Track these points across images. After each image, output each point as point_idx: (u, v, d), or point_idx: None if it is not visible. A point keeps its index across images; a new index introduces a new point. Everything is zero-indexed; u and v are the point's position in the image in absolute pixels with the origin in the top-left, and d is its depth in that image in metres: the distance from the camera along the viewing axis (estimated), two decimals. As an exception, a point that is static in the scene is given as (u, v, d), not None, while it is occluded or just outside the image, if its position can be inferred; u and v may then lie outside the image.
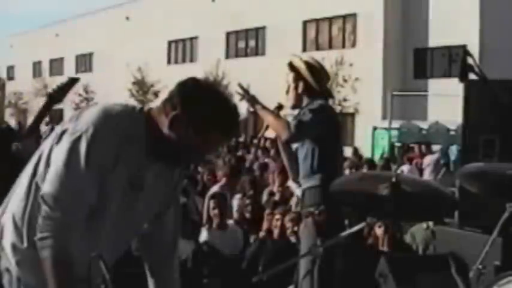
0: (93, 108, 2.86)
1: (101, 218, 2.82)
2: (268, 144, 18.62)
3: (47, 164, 2.76)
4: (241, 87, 5.73)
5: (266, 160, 15.80)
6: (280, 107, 5.71)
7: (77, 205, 2.68)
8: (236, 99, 5.82)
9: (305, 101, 5.55)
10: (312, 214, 5.38)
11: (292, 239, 7.26)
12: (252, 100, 5.66)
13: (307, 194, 5.49)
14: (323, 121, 5.40)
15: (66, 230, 2.63)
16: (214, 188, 9.90)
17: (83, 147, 2.68)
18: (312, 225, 5.38)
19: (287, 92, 5.68)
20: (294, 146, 5.67)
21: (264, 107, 5.60)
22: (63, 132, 2.78)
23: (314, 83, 5.55)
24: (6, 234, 2.84)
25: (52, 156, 2.77)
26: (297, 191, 6.30)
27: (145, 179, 2.90)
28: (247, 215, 8.85)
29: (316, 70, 5.61)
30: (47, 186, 2.69)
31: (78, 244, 2.65)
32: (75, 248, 2.63)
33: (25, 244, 2.77)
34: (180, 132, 2.77)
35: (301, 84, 5.56)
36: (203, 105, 2.76)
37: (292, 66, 5.66)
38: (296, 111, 5.62)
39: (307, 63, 5.60)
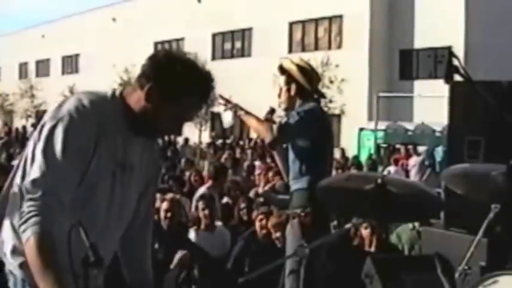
0: (69, 97, 2.92)
1: (92, 207, 2.85)
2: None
3: (33, 161, 2.76)
4: (223, 97, 5.73)
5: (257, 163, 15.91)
6: (272, 111, 5.72)
7: (57, 186, 2.66)
8: (220, 108, 5.89)
9: (298, 103, 5.55)
10: (298, 215, 5.40)
11: (277, 242, 7.22)
12: (235, 107, 5.68)
13: (295, 195, 5.50)
14: (310, 123, 5.40)
15: (48, 209, 2.61)
16: (201, 190, 9.91)
17: (59, 133, 2.72)
18: (298, 227, 5.39)
19: (279, 95, 5.67)
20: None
21: (247, 112, 5.61)
22: (42, 126, 2.80)
23: (306, 84, 5.55)
24: (7, 241, 2.83)
25: (35, 151, 2.77)
26: None
27: (133, 158, 2.98)
28: (245, 218, 8.82)
29: (307, 71, 5.62)
30: (28, 177, 2.70)
31: (64, 230, 2.56)
32: (60, 234, 2.55)
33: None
34: (156, 102, 2.84)
35: (293, 87, 5.55)
36: (174, 72, 2.82)
37: (282, 69, 5.66)
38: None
39: (298, 65, 5.60)
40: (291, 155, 5.53)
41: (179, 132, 3.03)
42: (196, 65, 2.89)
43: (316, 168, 5.43)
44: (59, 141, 2.71)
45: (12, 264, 2.81)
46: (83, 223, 2.67)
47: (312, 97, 5.62)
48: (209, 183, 10.42)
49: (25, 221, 2.58)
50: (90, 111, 2.80)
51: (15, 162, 3.00)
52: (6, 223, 2.86)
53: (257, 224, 7.61)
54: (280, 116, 5.76)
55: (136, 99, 2.90)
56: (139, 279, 3.25)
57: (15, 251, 2.79)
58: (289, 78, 5.57)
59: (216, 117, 36.95)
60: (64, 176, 2.69)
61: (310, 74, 5.64)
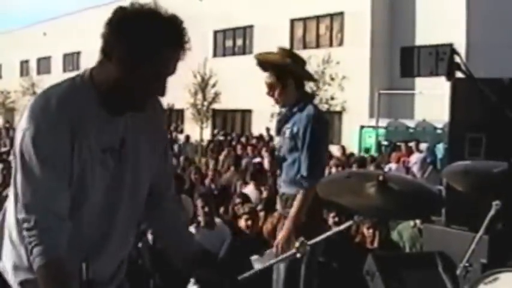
0: (32, 100, 2.65)
1: (89, 203, 2.69)
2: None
3: (15, 182, 2.64)
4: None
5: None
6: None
7: (48, 203, 2.52)
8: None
9: (296, 95, 5.48)
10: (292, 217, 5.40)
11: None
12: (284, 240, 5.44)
13: (291, 199, 5.48)
14: (320, 135, 5.39)
15: (47, 233, 2.48)
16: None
17: (29, 146, 2.52)
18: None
19: (272, 94, 5.56)
20: (282, 147, 5.61)
21: (288, 224, 5.43)
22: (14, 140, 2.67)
23: (302, 71, 5.52)
24: (6, 254, 2.76)
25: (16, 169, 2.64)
26: None
27: (123, 135, 2.76)
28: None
29: (297, 57, 5.57)
30: (19, 203, 2.57)
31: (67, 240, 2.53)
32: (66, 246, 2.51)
33: (25, 263, 2.67)
34: (129, 68, 2.58)
35: (290, 81, 5.45)
36: (136, 29, 2.55)
37: (265, 64, 5.54)
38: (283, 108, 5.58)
39: (290, 56, 5.53)
40: (291, 157, 5.49)
41: (163, 93, 2.71)
42: (156, 12, 2.65)
43: (314, 173, 5.38)
44: (32, 155, 2.52)
45: (12, 281, 2.74)
46: (84, 221, 2.68)
47: (305, 91, 5.58)
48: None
49: (31, 254, 2.49)
50: (56, 109, 2.57)
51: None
52: (6, 233, 2.77)
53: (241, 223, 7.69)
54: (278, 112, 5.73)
55: (107, 73, 2.63)
56: (181, 250, 3.06)
57: (16, 268, 2.73)
58: (282, 73, 5.44)
59: (217, 114, 37.01)
60: (51, 189, 2.53)
61: (299, 59, 5.57)
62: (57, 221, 2.52)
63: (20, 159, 2.55)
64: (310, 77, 5.86)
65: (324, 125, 5.51)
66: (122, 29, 2.57)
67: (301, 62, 5.58)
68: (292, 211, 5.37)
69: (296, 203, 5.35)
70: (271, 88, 5.50)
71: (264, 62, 5.55)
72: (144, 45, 2.56)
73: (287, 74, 5.44)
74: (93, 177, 2.67)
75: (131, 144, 2.78)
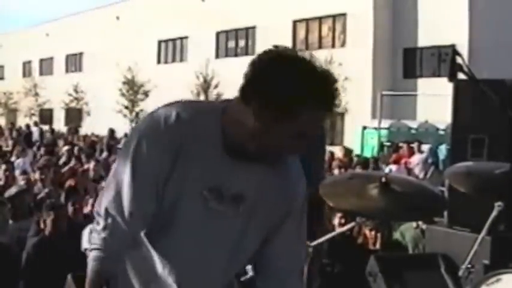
0: (160, 108, 2.48)
1: (176, 232, 2.48)
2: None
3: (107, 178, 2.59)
4: None
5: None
6: None
7: (125, 214, 2.43)
8: None
9: None
10: None
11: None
12: None
13: None
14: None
15: (113, 244, 2.44)
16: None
17: (129, 154, 2.41)
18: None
19: None
20: None
21: None
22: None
23: None
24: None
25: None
26: None
27: (239, 186, 2.47)
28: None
29: None
30: (101, 198, 2.51)
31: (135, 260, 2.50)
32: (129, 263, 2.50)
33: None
34: (268, 121, 2.27)
35: None
36: (286, 81, 2.23)
37: None
38: None
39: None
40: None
41: (302, 150, 2.40)
42: (311, 65, 2.30)
43: (312, 177, 5.37)
44: (128, 164, 2.40)
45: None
46: (165, 250, 2.52)
47: None
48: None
49: (90, 249, 2.47)
50: (171, 127, 2.37)
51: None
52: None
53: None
54: None
55: (241, 117, 2.34)
56: None
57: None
58: None
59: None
60: (135, 202, 2.42)
61: None
62: (126, 235, 2.46)
63: (117, 163, 2.49)
64: None
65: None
66: (267, 77, 2.27)
67: None
68: None
69: None
70: None
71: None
72: (289, 102, 2.24)
73: None
74: (187, 211, 2.46)
75: (252, 195, 2.50)
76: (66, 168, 13.38)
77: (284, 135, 2.30)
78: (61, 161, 15.65)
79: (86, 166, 13.86)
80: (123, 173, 2.42)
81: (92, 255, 2.44)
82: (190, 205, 2.44)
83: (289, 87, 2.22)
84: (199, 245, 2.50)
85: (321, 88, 2.27)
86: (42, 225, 6.74)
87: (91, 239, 2.49)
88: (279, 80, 2.23)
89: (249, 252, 2.62)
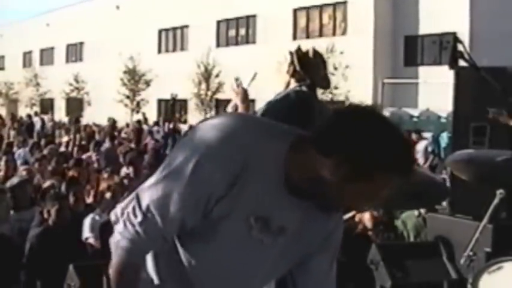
0: (228, 115, 2.42)
1: (210, 247, 2.45)
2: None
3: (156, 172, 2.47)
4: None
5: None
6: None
7: (167, 223, 2.35)
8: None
9: (292, 84, 5.50)
10: None
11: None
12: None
13: None
14: (278, 111, 5.31)
15: (144, 237, 2.36)
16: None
17: (186, 170, 2.31)
18: None
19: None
20: None
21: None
22: (185, 135, 2.52)
23: (298, 66, 5.53)
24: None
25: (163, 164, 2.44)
26: None
27: (284, 219, 2.43)
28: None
29: (303, 56, 5.58)
30: (143, 192, 2.39)
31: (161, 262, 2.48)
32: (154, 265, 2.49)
33: (156, 281, 2.55)
34: (339, 178, 2.20)
35: (290, 68, 5.50)
36: (371, 144, 2.17)
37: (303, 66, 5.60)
38: None
39: (297, 51, 5.58)
40: None
41: (363, 209, 2.31)
42: (396, 131, 2.23)
43: None
44: (185, 177, 2.30)
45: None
46: (198, 259, 2.49)
47: (304, 80, 5.56)
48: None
49: (120, 238, 2.39)
50: (235, 149, 2.30)
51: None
52: None
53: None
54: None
55: (308, 161, 2.27)
56: None
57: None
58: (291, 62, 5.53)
59: (220, 104, 36.97)
60: (180, 213, 2.34)
61: (306, 59, 5.58)
62: (159, 237, 2.40)
63: (176, 160, 2.37)
64: (310, 79, 5.83)
65: (280, 103, 5.53)
66: (354, 138, 2.19)
67: (304, 59, 5.58)
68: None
69: None
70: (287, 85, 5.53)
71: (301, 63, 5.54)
72: (374, 168, 2.18)
73: (291, 63, 5.48)
74: (229, 231, 2.42)
75: (293, 229, 2.46)
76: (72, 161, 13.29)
77: (353, 192, 2.25)
78: (60, 151, 15.63)
79: (84, 156, 14.02)
80: (177, 180, 2.33)
81: (121, 244, 2.38)
82: (233, 227, 2.40)
83: (377, 153, 2.17)
84: (231, 265, 2.50)
85: (405, 157, 2.25)
86: (46, 215, 6.74)
87: (123, 228, 2.40)
88: (367, 143, 2.17)
89: (275, 278, 2.71)
